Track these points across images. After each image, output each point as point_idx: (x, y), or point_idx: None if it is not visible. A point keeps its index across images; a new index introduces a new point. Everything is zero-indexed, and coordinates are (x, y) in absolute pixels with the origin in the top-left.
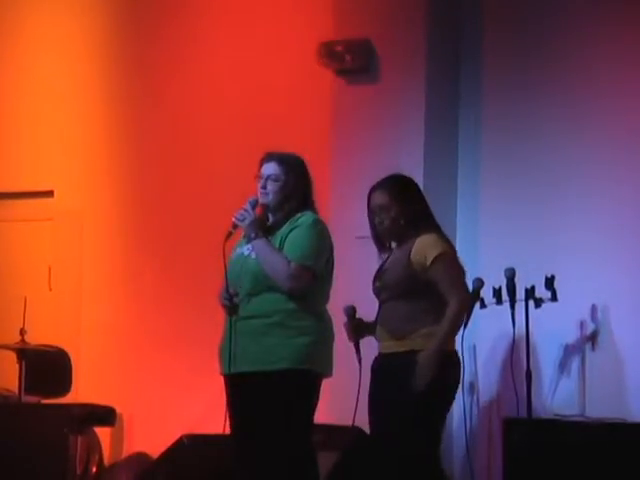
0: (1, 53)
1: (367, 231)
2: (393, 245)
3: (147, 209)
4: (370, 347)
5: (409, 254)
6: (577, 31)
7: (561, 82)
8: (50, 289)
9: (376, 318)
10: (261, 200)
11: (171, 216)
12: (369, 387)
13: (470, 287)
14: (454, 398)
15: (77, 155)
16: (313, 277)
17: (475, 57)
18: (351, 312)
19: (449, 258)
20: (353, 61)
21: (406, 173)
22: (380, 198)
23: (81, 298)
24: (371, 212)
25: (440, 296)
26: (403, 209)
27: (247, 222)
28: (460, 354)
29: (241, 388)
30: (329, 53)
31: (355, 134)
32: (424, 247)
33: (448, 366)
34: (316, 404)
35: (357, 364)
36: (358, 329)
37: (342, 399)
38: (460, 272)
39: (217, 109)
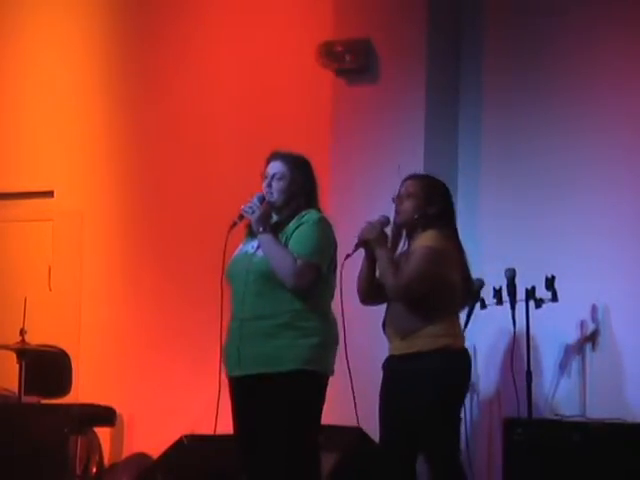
0: (2, 53)
1: None
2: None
3: (147, 209)
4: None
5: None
6: (578, 31)
7: (562, 83)
8: (50, 289)
9: (385, 316)
10: (267, 198)
11: (171, 216)
12: (380, 388)
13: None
14: (465, 396)
15: (77, 155)
16: (318, 275)
17: (475, 57)
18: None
19: (431, 253)
20: (353, 61)
21: (406, 173)
22: (406, 187)
23: (81, 298)
24: (395, 199)
25: (443, 296)
26: (421, 205)
27: (256, 215)
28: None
29: (249, 390)
30: (329, 53)
31: (355, 134)
32: (420, 240)
33: (454, 367)
34: (322, 405)
35: (358, 365)
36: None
37: (343, 399)
38: (428, 270)
39: (217, 109)
